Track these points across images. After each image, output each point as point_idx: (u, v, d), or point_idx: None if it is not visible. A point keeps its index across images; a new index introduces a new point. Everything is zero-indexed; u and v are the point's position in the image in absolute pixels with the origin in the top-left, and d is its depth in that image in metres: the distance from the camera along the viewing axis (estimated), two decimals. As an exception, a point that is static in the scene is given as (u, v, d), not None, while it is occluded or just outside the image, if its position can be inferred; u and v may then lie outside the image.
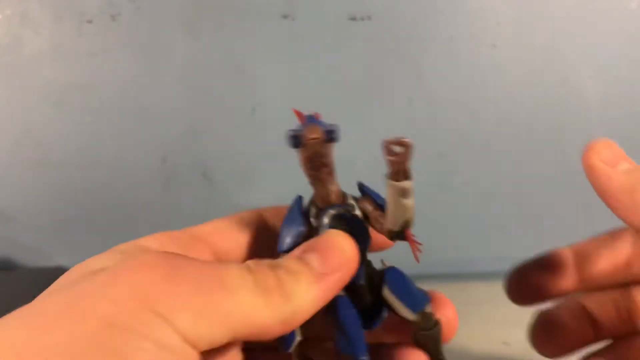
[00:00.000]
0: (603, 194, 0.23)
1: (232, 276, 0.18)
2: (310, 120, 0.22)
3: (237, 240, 0.25)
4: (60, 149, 0.60)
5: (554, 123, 0.59)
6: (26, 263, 0.62)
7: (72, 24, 0.57)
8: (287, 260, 0.20)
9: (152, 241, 0.22)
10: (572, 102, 0.59)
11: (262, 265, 0.19)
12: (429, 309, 0.23)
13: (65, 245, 0.62)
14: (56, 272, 0.70)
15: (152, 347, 0.15)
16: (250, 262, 0.19)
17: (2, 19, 0.57)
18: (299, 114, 0.23)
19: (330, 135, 0.22)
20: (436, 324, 0.23)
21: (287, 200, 0.25)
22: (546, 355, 0.28)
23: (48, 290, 0.19)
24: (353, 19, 0.57)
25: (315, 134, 0.22)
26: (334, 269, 0.20)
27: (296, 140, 0.22)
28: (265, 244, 0.25)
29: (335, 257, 0.20)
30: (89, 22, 0.57)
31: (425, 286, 0.24)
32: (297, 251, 0.21)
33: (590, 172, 0.23)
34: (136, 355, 0.15)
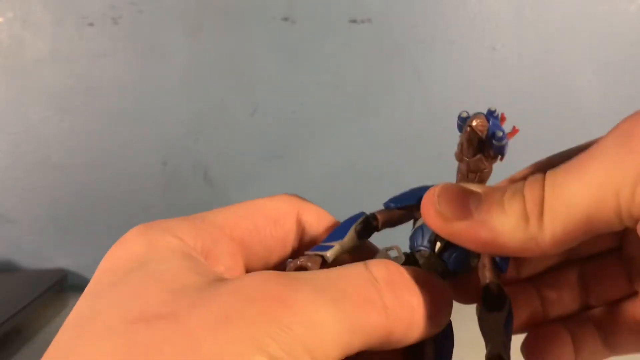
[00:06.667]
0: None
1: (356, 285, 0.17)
2: (490, 113, 0.20)
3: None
4: (61, 151, 0.60)
5: (553, 125, 0.59)
6: (27, 265, 0.62)
7: (74, 27, 0.57)
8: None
9: (172, 235, 0.19)
10: (571, 104, 0.59)
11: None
12: None
13: (66, 248, 0.62)
14: (57, 274, 0.70)
15: None
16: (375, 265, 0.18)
17: (3, 22, 0.57)
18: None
19: (492, 138, 0.20)
20: None
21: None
22: None
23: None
24: (353, 21, 0.57)
25: (481, 125, 0.20)
26: None
27: (460, 123, 0.20)
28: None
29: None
30: (91, 25, 0.57)
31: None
32: None
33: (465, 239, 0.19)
34: None
